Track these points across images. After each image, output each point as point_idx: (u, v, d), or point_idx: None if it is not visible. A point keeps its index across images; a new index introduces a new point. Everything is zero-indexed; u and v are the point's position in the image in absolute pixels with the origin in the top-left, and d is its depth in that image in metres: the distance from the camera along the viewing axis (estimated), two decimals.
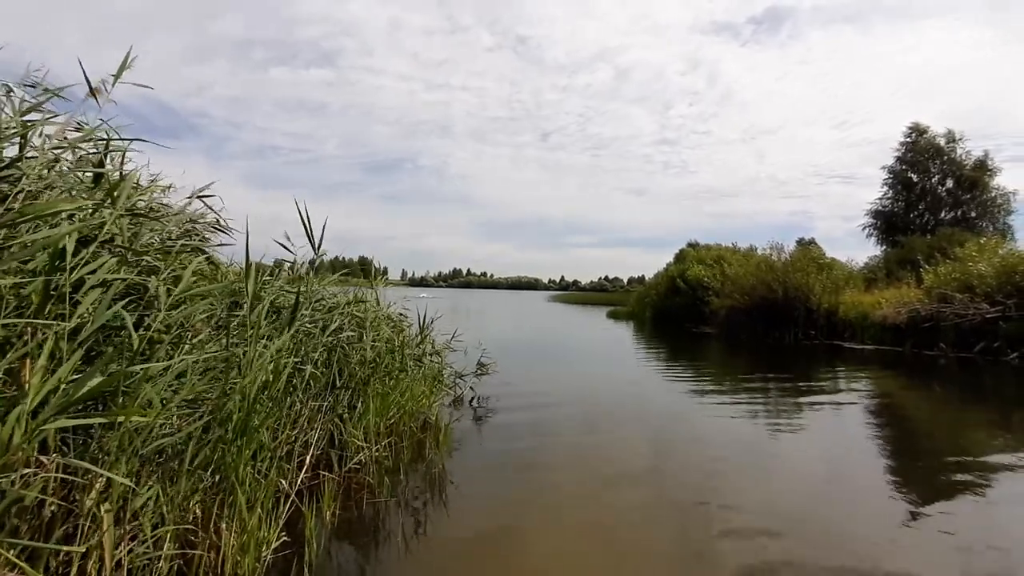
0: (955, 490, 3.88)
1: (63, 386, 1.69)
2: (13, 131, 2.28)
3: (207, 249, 3.66)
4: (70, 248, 1.89)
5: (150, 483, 2.08)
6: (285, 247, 3.95)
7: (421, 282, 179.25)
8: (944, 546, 3.02)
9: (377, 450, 3.97)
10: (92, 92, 2.41)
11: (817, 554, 2.84)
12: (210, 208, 3.85)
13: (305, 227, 3.64)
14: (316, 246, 3.79)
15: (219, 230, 3.86)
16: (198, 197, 3.71)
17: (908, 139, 27.33)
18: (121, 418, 1.87)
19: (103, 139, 2.77)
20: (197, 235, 3.70)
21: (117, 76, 2.55)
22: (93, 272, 2.07)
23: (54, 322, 1.82)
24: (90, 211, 2.35)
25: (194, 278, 2.76)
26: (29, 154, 2.36)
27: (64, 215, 2.15)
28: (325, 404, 3.87)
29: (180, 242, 3.13)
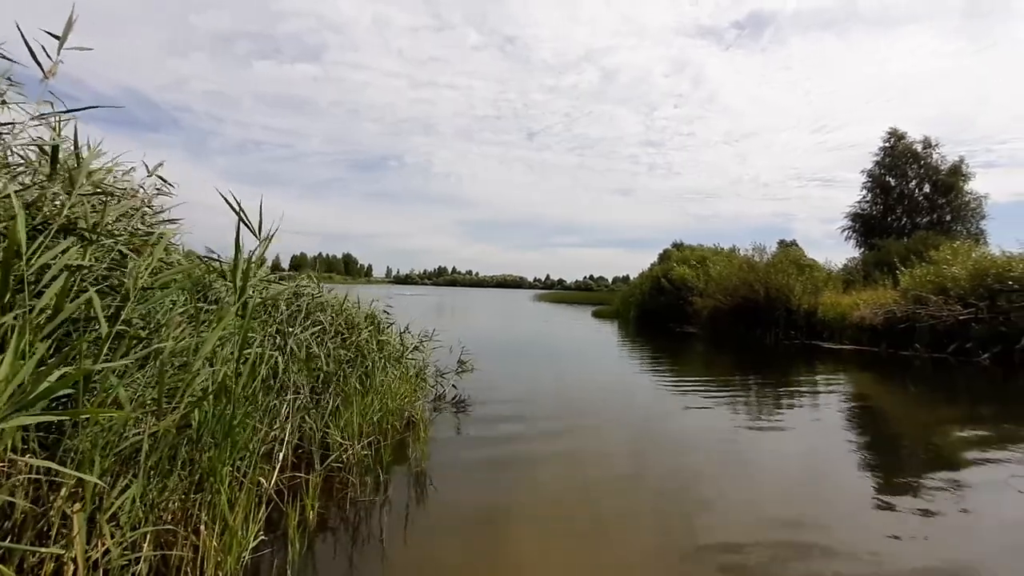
0: (928, 486, 3.98)
1: (24, 382, 1.63)
2: None
3: (176, 237, 3.56)
4: (22, 233, 1.80)
5: (126, 482, 2.03)
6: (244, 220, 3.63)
7: (406, 280, 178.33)
8: (918, 541, 3.09)
9: (359, 448, 3.94)
10: (45, 75, 2.33)
11: (797, 551, 2.90)
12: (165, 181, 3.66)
13: (241, 217, 3.19)
14: (258, 231, 3.46)
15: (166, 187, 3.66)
16: (157, 175, 3.55)
17: (887, 144, 27.98)
18: (87, 416, 1.81)
19: (49, 112, 2.63)
20: (150, 213, 3.54)
21: (62, 41, 2.41)
22: (55, 259, 1.99)
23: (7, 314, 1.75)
24: (48, 195, 2.27)
25: (169, 272, 2.70)
26: None
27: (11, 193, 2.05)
28: (306, 402, 3.83)
29: (155, 229, 3.05)
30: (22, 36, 2.34)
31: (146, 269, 2.30)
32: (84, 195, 2.34)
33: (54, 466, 1.63)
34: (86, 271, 2.25)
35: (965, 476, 4.25)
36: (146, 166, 3.56)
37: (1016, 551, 3.03)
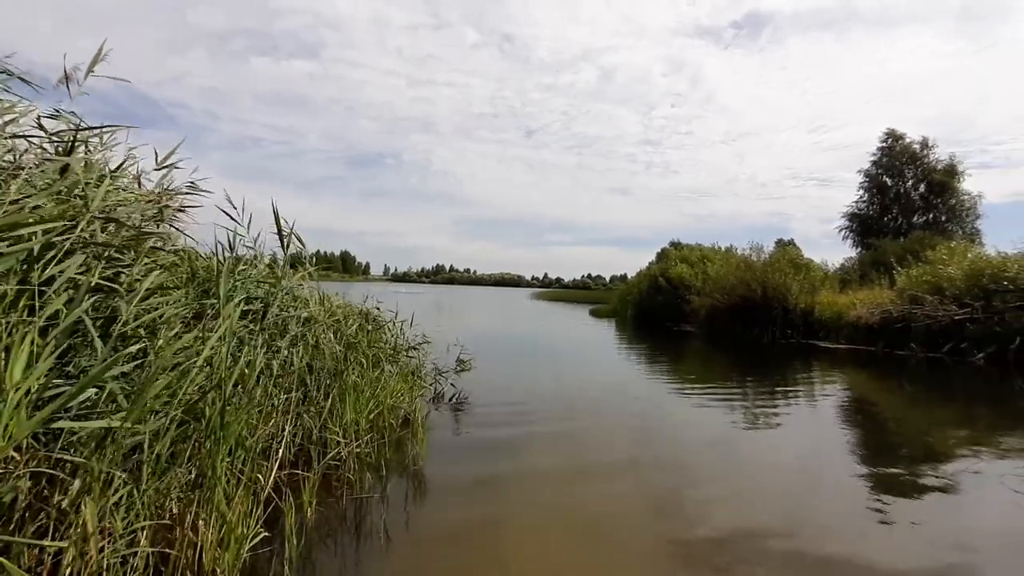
0: (923, 484, 4.01)
1: (40, 385, 1.66)
2: None
3: (181, 235, 3.59)
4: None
5: (124, 479, 2.04)
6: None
7: (404, 278, 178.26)
8: (912, 538, 3.12)
9: (357, 446, 3.94)
10: (65, 77, 2.34)
11: (790, 548, 2.92)
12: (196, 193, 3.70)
13: (278, 225, 3.63)
14: (285, 245, 3.78)
15: (193, 193, 3.70)
16: (165, 167, 3.56)
17: (884, 144, 28.05)
18: (116, 424, 1.84)
19: (75, 129, 2.68)
20: (166, 209, 3.55)
21: (90, 68, 2.49)
22: (63, 271, 2.02)
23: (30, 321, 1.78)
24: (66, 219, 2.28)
25: (164, 274, 2.71)
26: None
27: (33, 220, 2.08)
28: (302, 399, 3.83)
29: (152, 230, 3.05)
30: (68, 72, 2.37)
31: (131, 281, 2.33)
32: (97, 217, 2.35)
33: (82, 461, 1.66)
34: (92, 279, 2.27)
35: (960, 475, 4.27)
36: (155, 156, 3.53)
37: (1010, 549, 3.05)
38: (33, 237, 1.87)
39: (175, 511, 2.29)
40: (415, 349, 6.06)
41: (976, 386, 9.16)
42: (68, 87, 2.47)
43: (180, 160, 3.56)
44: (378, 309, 5.90)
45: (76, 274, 2.11)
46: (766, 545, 2.94)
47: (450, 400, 6.16)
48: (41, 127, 2.65)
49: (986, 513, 3.58)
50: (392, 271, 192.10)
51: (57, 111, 2.73)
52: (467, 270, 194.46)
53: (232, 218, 3.70)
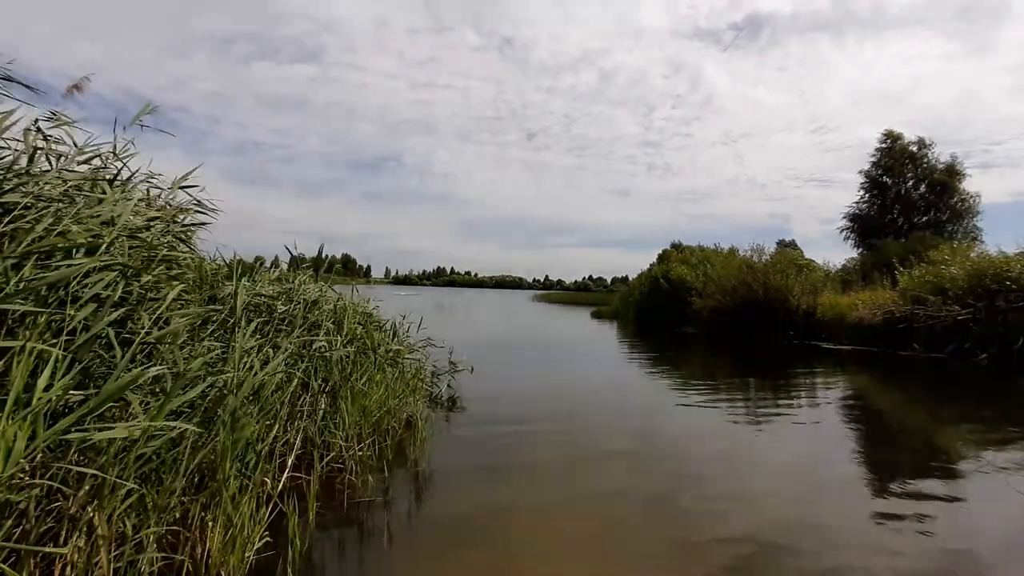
0: (927, 487, 4.00)
1: (60, 395, 1.69)
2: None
3: (189, 241, 3.63)
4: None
5: (135, 486, 2.05)
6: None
7: (405, 280, 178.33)
8: (917, 539, 3.11)
9: (360, 449, 3.94)
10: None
11: (793, 549, 2.91)
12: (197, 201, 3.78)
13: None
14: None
15: (201, 212, 3.83)
16: (181, 188, 3.65)
17: (884, 145, 28.05)
18: (134, 433, 1.87)
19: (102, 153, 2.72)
20: (177, 221, 3.62)
21: (136, 118, 2.55)
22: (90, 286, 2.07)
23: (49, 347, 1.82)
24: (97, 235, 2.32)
25: (177, 285, 2.74)
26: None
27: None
28: (305, 403, 3.83)
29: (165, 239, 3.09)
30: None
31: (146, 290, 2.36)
32: (123, 235, 2.39)
33: (98, 473, 1.68)
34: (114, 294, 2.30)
35: (963, 476, 4.27)
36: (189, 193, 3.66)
37: (1014, 551, 3.04)
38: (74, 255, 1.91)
39: (179, 515, 2.30)
40: (415, 351, 6.07)
41: (979, 386, 9.14)
42: (116, 123, 2.54)
43: (194, 182, 3.67)
44: (377, 308, 5.91)
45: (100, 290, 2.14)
46: (770, 549, 2.93)
47: (451, 402, 6.16)
48: (50, 149, 2.68)
49: (991, 514, 3.57)
50: (393, 273, 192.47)
51: (56, 115, 2.75)
52: (468, 272, 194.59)
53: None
